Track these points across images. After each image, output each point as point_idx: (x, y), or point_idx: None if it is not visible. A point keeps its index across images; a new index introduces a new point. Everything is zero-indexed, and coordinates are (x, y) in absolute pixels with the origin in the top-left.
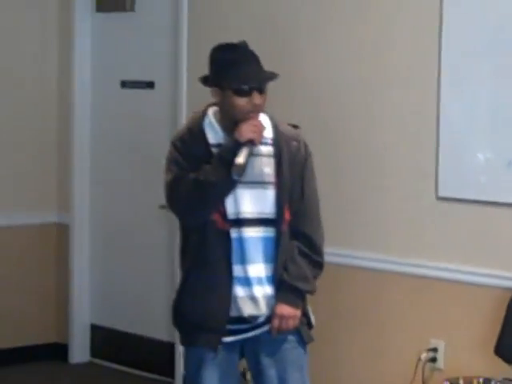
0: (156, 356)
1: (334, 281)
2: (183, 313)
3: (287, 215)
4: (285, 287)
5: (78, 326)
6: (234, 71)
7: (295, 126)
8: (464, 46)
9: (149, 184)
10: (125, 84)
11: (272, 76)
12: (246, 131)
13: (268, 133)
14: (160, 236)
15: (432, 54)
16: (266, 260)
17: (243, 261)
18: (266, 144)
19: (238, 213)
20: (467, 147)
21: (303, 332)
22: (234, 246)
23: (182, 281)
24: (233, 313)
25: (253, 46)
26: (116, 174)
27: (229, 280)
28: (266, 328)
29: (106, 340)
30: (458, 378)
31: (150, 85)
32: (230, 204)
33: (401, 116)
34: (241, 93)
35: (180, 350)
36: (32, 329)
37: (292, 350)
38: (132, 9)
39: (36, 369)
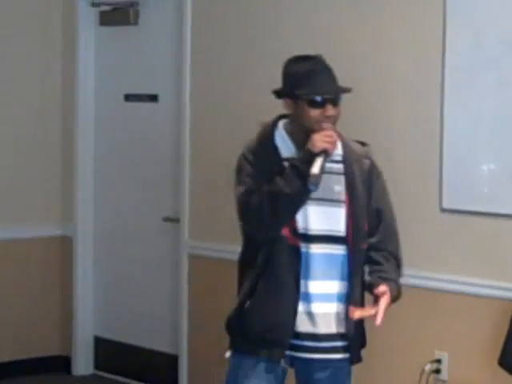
0: (160, 368)
1: None
2: (248, 323)
3: (363, 233)
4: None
5: (81, 338)
6: (309, 82)
7: (363, 144)
8: (467, 59)
9: (152, 197)
10: (128, 97)
11: (346, 89)
12: (319, 141)
13: (337, 150)
14: (163, 248)
15: (436, 66)
16: (331, 277)
17: (307, 276)
18: (335, 161)
19: (306, 229)
20: (471, 159)
21: (354, 354)
22: (302, 261)
23: (247, 292)
24: (298, 328)
25: (253, 56)
26: (119, 186)
27: (296, 295)
28: (323, 355)
29: (109, 352)
30: None
31: (153, 98)
32: (299, 219)
33: (405, 128)
34: (315, 104)
35: (183, 362)
36: (36, 341)
37: (342, 375)
38: (136, 22)
39: (40, 381)
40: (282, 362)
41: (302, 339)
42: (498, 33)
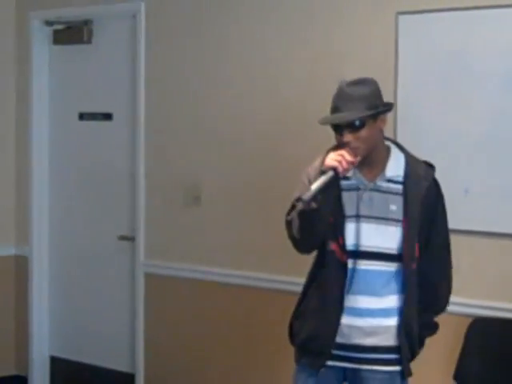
0: None
1: None
2: (295, 333)
3: (417, 253)
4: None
5: (37, 358)
6: (331, 108)
7: (430, 165)
8: (419, 77)
9: (108, 216)
10: (83, 116)
11: (352, 118)
12: (329, 159)
13: (399, 170)
14: (119, 267)
15: (387, 84)
16: (382, 293)
17: (356, 291)
18: (395, 182)
19: (357, 245)
20: None
21: (404, 368)
22: (349, 276)
23: (299, 302)
24: (338, 339)
25: (208, 74)
26: (75, 205)
27: (339, 307)
28: (369, 367)
29: (65, 372)
30: None
31: (107, 116)
32: (349, 236)
33: None
34: (334, 129)
35: (140, 381)
36: None
37: None
38: (89, 41)
39: None
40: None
41: (354, 350)
42: (451, 50)
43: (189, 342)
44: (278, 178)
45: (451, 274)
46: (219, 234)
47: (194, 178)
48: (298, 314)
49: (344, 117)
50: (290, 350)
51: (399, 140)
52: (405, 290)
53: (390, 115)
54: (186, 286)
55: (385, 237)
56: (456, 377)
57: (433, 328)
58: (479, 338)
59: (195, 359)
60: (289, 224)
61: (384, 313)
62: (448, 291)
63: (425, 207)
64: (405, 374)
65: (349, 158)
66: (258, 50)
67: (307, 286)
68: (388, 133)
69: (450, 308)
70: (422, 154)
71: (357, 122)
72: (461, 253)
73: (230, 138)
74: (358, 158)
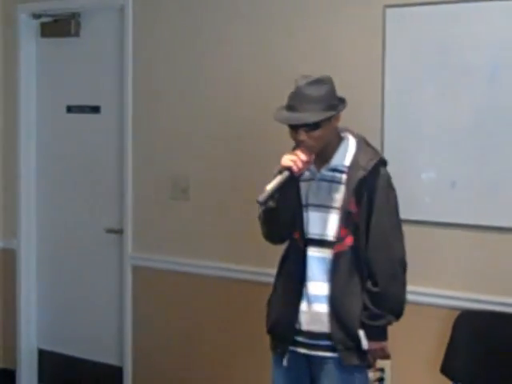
0: (104, 380)
1: None
2: (267, 321)
3: (348, 239)
4: (365, 327)
5: (25, 351)
6: (287, 105)
7: (381, 159)
8: (407, 70)
9: (95, 208)
10: (70, 109)
11: (307, 120)
12: (284, 159)
13: (345, 160)
14: (107, 260)
15: (375, 78)
16: (323, 279)
17: (307, 278)
18: (340, 171)
19: (307, 233)
20: (411, 169)
21: (342, 355)
22: (305, 263)
23: (271, 291)
24: (297, 325)
25: (196, 67)
26: (62, 198)
27: (298, 294)
28: (329, 354)
29: (53, 365)
30: None
31: (95, 109)
32: (305, 224)
33: None
34: (289, 127)
35: (128, 373)
36: None
37: (333, 376)
38: (77, 34)
39: None
40: (285, 360)
41: (310, 337)
42: (438, 44)
43: (177, 335)
44: (266, 170)
45: (396, 265)
46: (207, 227)
47: (181, 171)
48: (268, 301)
49: (302, 119)
50: None
51: (386, 133)
52: (332, 275)
53: (377, 108)
54: (173, 278)
55: (326, 224)
56: (443, 370)
57: (380, 319)
58: (466, 331)
59: (183, 352)
60: (259, 219)
61: (324, 299)
62: (396, 288)
63: (359, 196)
64: (343, 361)
65: (304, 157)
66: (246, 42)
67: (277, 273)
68: (375, 126)
69: (437, 301)
70: (409, 146)
71: (312, 123)
72: (448, 246)
73: (218, 130)
74: (313, 156)
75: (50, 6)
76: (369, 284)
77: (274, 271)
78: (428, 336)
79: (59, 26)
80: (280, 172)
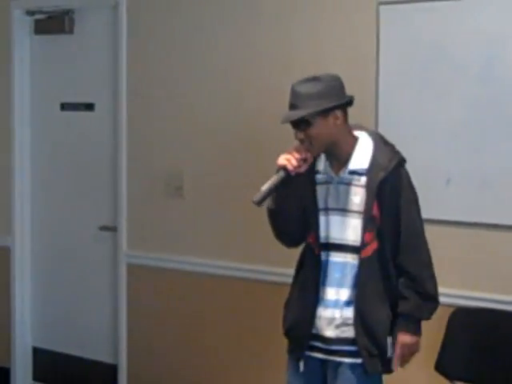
0: (99, 378)
1: None
2: (283, 324)
3: (373, 244)
4: (401, 318)
5: (20, 349)
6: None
7: (400, 158)
8: (400, 64)
9: (89, 206)
10: (64, 106)
11: (291, 117)
12: (280, 158)
13: (364, 162)
14: (101, 258)
15: (369, 72)
16: (344, 285)
17: (327, 283)
18: (359, 174)
19: (327, 237)
20: (406, 166)
21: (365, 361)
22: (323, 268)
23: (288, 295)
24: (314, 330)
25: (190, 65)
26: (57, 196)
27: (315, 299)
28: (336, 358)
29: (48, 363)
30: None
31: (89, 107)
32: (322, 229)
33: None
34: (291, 126)
35: (123, 371)
36: None
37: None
38: (71, 31)
39: None
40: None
41: (327, 342)
42: (430, 38)
43: (172, 333)
44: (262, 167)
45: (427, 262)
46: (202, 224)
47: (176, 168)
48: (286, 304)
49: (290, 116)
50: (277, 341)
51: (380, 129)
52: (357, 281)
53: (370, 104)
54: (168, 276)
55: (348, 229)
56: (437, 367)
57: (426, 297)
58: (461, 328)
59: (178, 350)
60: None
61: (346, 304)
62: (424, 272)
63: (381, 199)
64: (367, 368)
65: (298, 155)
66: (242, 39)
67: (294, 277)
68: (369, 121)
69: None
70: (403, 143)
71: (296, 119)
72: (443, 243)
73: (213, 126)
74: (310, 155)
75: (43, 3)
76: (402, 280)
77: (269, 269)
78: (422, 333)
79: (53, 23)
80: (277, 171)
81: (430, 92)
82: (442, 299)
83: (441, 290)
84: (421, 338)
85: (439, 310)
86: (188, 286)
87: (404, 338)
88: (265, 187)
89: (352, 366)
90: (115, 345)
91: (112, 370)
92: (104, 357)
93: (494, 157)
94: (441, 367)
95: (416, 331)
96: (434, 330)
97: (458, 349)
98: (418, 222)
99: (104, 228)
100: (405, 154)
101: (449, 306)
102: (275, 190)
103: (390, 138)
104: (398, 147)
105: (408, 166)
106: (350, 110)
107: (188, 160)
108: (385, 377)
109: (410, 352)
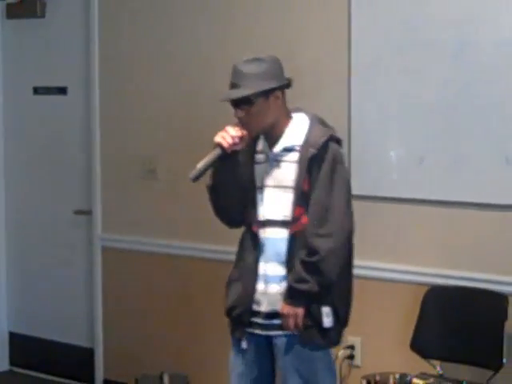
0: (76, 362)
1: None
2: (225, 304)
3: (303, 219)
4: (286, 289)
5: None
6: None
7: (333, 137)
8: (373, 46)
9: (63, 190)
10: (37, 90)
11: (233, 95)
12: (216, 136)
13: (298, 139)
14: (76, 242)
15: (342, 54)
16: (280, 260)
17: (264, 259)
18: (294, 150)
19: (263, 214)
20: (379, 145)
21: (301, 335)
22: (260, 245)
23: (229, 274)
24: (255, 307)
25: (164, 47)
26: (30, 180)
27: (254, 276)
28: (281, 332)
29: (25, 348)
30: (374, 375)
31: (62, 91)
32: (259, 206)
33: None
34: (231, 105)
35: (99, 355)
36: None
37: (289, 355)
38: (43, 15)
39: None
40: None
41: (266, 317)
42: (404, 20)
43: (147, 315)
44: None
45: (330, 235)
46: (177, 207)
47: (150, 151)
48: (227, 284)
49: (232, 94)
50: None
51: (354, 111)
52: (288, 256)
53: (343, 86)
54: (143, 259)
55: (282, 204)
56: (413, 346)
57: (304, 284)
58: (435, 307)
59: (154, 332)
60: None
61: (280, 279)
62: (326, 250)
63: (312, 173)
64: (302, 339)
65: (233, 133)
66: (209, 27)
67: (235, 258)
68: (342, 103)
69: (406, 277)
70: (377, 123)
71: (240, 97)
72: (414, 222)
73: (185, 110)
74: (245, 133)
75: None
76: (303, 254)
77: None
78: (397, 312)
79: (25, 7)
80: (214, 149)
81: (404, 73)
82: (416, 278)
83: (415, 268)
84: (303, 311)
85: (414, 288)
86: (163, 269)
87: (283, 308)
88: (200, 164)
89: (289, 338)
90: (91, 328)
91: (88, 354)
92: (80, 341)
93: (466, 136)
94: (416, 346)
95: (295, 303)
96: (409, 309)
97: (432, 327)
98: (332, 196)
99: (79, 212)
100: (377, 133)
101: (423, 284)
102: (211, 167)
103: (364, 118)
104: (371, 126)
105: (381, 146)
106: (323, 89)
107: (161, 143)
108: (360, 357)
109: (287, 323)
